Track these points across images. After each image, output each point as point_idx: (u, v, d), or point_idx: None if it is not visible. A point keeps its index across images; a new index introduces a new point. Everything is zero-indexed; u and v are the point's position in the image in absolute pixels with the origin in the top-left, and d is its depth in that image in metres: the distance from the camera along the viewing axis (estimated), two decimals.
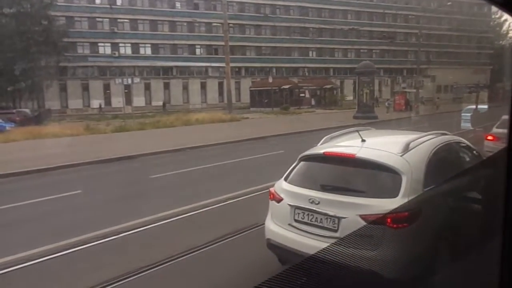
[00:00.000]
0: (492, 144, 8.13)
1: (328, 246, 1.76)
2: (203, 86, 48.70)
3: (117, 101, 40.27)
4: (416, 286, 2.25)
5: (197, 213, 6.59)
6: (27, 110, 32.00)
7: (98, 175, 11.01)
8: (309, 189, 3.67)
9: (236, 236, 5.33)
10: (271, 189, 4.10)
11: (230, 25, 40.30)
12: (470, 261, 2.34)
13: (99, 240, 5.42)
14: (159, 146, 14.45)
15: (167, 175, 10.09)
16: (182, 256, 4.74)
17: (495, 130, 8.82)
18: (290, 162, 4.22)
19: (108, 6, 43.12)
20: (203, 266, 4.62)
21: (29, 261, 4.78)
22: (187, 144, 14.98)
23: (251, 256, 4.70)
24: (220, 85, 46.66)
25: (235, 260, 4.73)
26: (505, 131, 1.54)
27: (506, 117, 1.58)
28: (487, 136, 8.93)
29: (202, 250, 4.93)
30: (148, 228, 5.89)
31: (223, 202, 7.12)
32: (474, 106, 17.74)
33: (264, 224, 4.12)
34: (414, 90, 41.93)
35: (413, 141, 3.68)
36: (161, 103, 44.53)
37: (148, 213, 6.43)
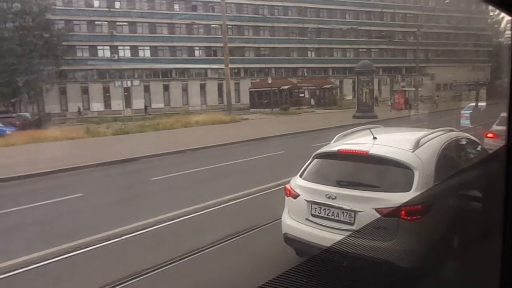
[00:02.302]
0: (492, 142, 8.14)
1: (344, 238, 1.82)
2: (203, 87, 48.72)
3: (117, 104, 40.33)
4: (428, 276, 2.34)
5: (199, 214, 6.60)
6: (27, 114, 32.03)
7: (98, 178, 11.02)
8: (325, 185, 3.81)
9: (237, 238, 5.35)
10: (287, 186, 4.23)
11: (229, 26, 40.35)
12: (475, 256, 2.41)
13: (101, 242, 5.43)
14: (160, 148, 14.47)
15: (168, 177, 10.10)
16: (184, 258, 4.76)
17: (495, 127, 8.84)
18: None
19: (106, 9, 43.21)
20: (203, 266, 4.64)
21: (32, 265, 4.79)
22: (187, 146, 14.98)
23: (249, 257, 4.70)
24: (220, 86, 46.69)
25: (239, 260, 4.75)
26: (505, 128, 1.56)
27: (504, 114, 1.60)
28: (487, 134, 8.94)
29: (203, 251, 4.94)
30: (150, 230, 5.90)
31: (225, 203, 7.14)
32: (474, 104, 17.77)
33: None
34: (414, 89, 41.99)
35: (423, 137, 3.83)
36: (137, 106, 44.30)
37: (149, 216, 6.44)
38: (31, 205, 7.74)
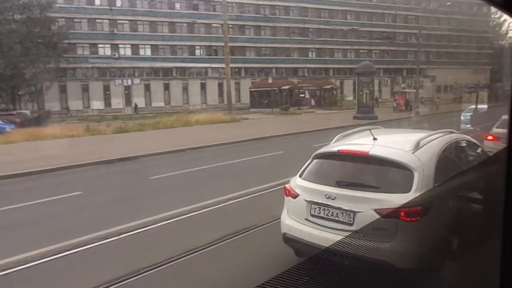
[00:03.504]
0: (492, 144, 8.13)
1: (343, 238, 1.82)
2: (203, 87, 48.68)
3: (117, 102, 40.26)
4: (427, 277, 2.34)
5: (198, 213, 6.59)
6: (27, 112, 31.98)
7: (98, 176, 11.01)
8: (325, 185, 3.80)
9: (236, 237, 5.35)
10: (287, 186, 4.23)
11: (230, 26, 40.32)
12: (475, 257, 2.41)
13: (99, 241, 5.42)
14: (159, 147, 14.46)
15: (167, 176, 10.09)
16: (183, 257, 4.76)
17: (495, 130, 8.82)
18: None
19: (107, 7, 43.16)
20: (202, 265, 4.64)
21: (30, 263, 4.78)
22: (187, 145, 14.98)
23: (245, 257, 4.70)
24: (220, 85, 46.67)
25: (237, 260, 4.75)
26: (505, 131, 1.55)
27: (506, 117, 1.59)
28: (486, 136, 8.92)
29: (201, 250, 4.94)
30: (148, 229, 5.89)
31: (224, 202, 7.13)
32: (474, 106, 17.78)
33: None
34: (414, 90, 41.96)
35: (423, 139, 3.83)
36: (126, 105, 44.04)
37: (148, 214, 6.43)
38: (30, 202, 7.72)
